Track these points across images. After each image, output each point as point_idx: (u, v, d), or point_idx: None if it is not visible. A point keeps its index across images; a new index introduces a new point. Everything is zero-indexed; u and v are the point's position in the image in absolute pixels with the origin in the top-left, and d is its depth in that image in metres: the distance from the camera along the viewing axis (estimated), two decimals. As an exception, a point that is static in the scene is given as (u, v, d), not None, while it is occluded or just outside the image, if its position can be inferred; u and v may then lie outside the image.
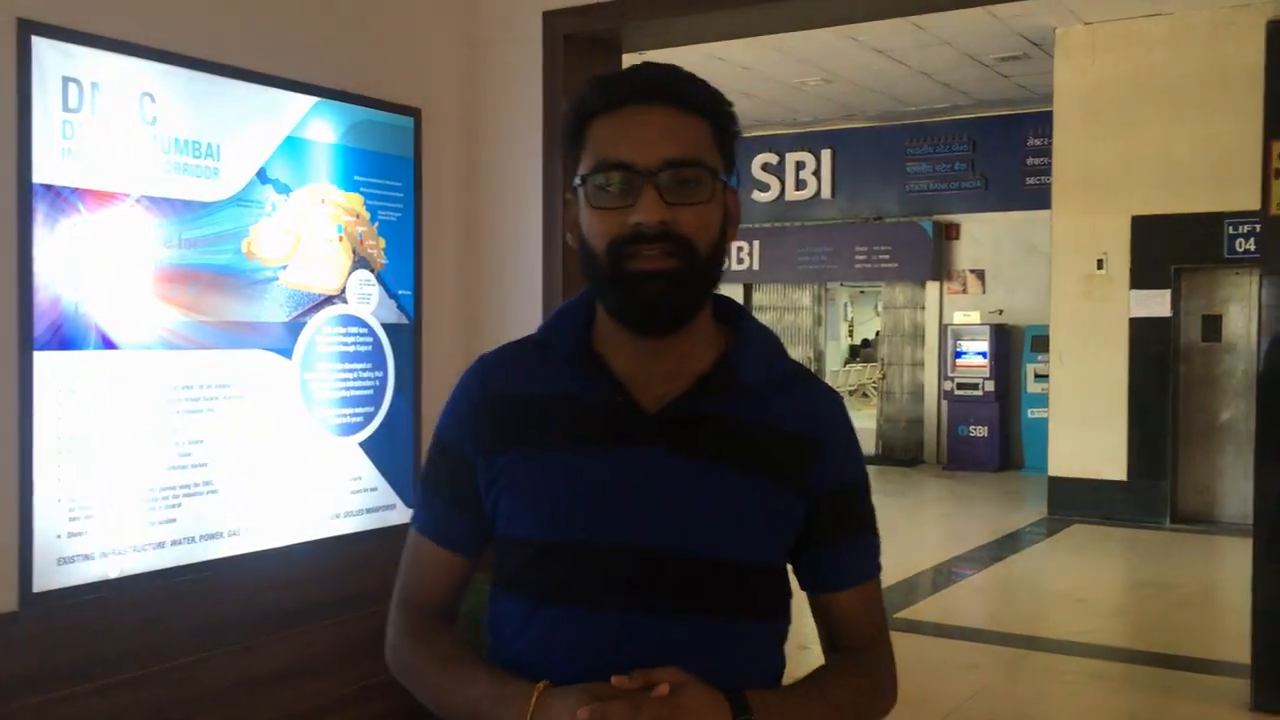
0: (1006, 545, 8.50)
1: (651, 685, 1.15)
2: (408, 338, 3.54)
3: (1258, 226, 5.45)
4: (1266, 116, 4.64)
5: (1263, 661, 4.67)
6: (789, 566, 1.35)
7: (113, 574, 2.75)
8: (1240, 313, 9.18)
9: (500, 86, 3.72)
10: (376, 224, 3.44)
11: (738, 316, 1.36)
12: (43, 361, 2.60)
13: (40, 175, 2.59)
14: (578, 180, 1.26)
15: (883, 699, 1.37)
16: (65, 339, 2.64)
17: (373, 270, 3.43)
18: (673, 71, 1.26)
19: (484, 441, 1.31)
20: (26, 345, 2.57)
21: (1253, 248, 8.56)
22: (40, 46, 2.59)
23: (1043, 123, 10.77)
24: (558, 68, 3.60)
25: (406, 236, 3.54)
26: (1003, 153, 12.49)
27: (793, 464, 1.30)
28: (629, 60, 3.91)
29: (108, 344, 2.73)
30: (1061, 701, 4.98)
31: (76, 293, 2.66)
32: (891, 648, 1.41)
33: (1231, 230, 8.80)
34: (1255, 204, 4.73)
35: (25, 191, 2.57)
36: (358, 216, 3.38)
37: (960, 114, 12.59)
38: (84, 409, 2.68)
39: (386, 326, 3.47)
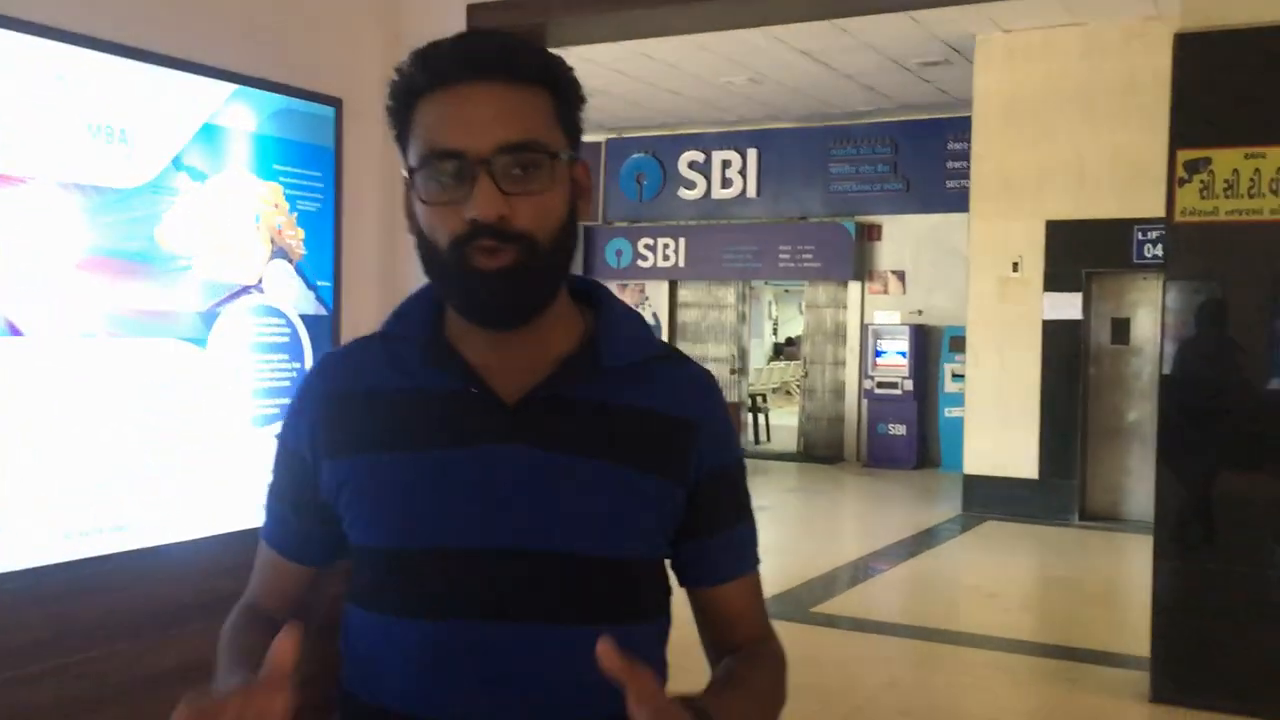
0: (922, 541, 8.67)
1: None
2: (326, 329, 3.51)
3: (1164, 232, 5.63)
4: (1172, 128, 4.79)
5: (1161, 654, 4.83)
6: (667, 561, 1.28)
7: (17, 565, 2.69)
8: (1148, 316, 9.46)
9: (423, 78, 3.70)
10: (295, 214, 3.41)
11: (599, 298, 1.28)
12: (-55, 348, 2.54)
13: (-55, 157, 2.53)
14: (406, 171, 1.18)
15: (783, 693, 1.30)
16: (-31, 325, 2.58)
17: (291, 261, 3.39)
18: (504, 40, 1.16)
19: (326, 444, 1.24)
20: (-72, 331, 2.51)
21: (1160, 253, 8.83)
22: (-54, 25, 2.53)
23: (963, 127, 10.99)
24: (481, 61, 3.60)
25: (326, 227, 3.51)
26: (924, 156, 12.72)
27: (667, 449, 1.20)
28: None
29: (14, 331, 2.67)
30: (970, 693, 5.11)
31: (-18, 278, 2.60)
32: (779, 641, 1.32)
33: (1140, 236, 9.08)
34: (1163, 211, 4.89)
35: (-71, 173, 2.50)
36: (276, 206, 3.35)
37: (883, 117, 12.80)
38: (-11, 397, 2.62)
39: (304, 318, 3.44)
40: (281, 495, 1.33)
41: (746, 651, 1.28)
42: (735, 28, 4.01)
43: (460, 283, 1.14)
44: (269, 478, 1.34)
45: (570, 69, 1.20)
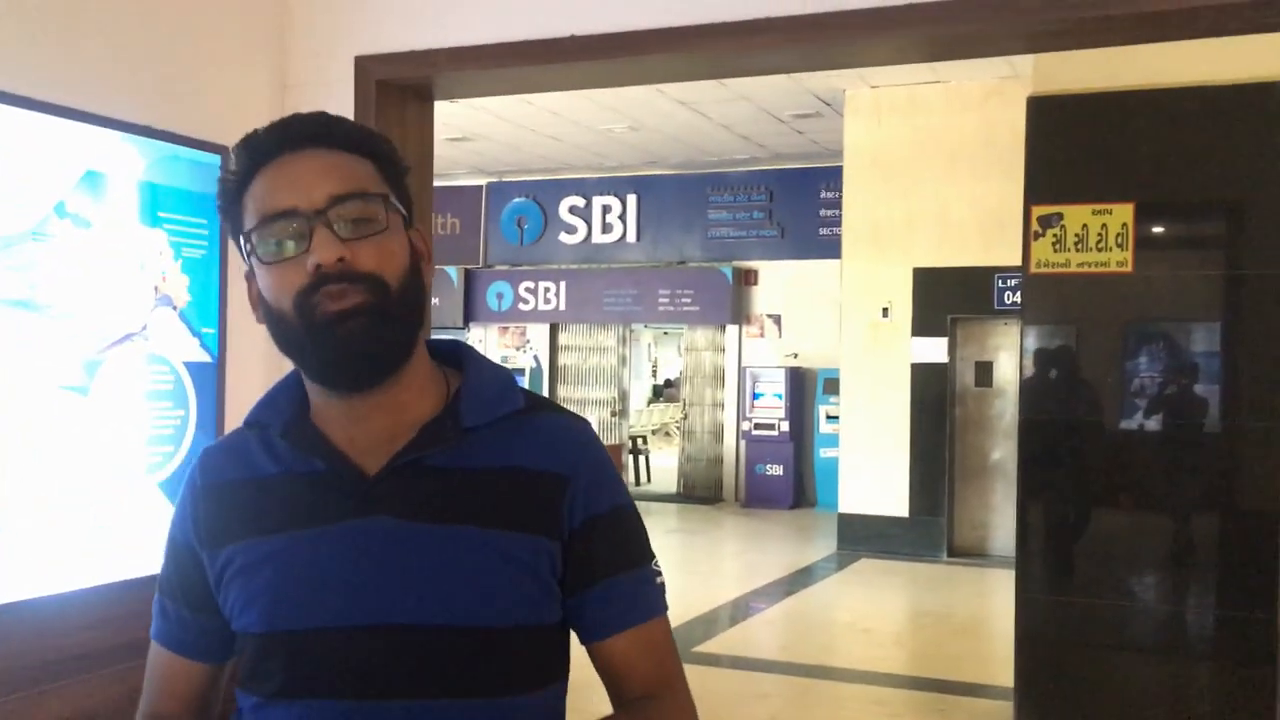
0: (798, 580, 8.88)
1: None
2: (210, 376, 3.50)
3: (1021, 282, 5.95)
4: (1027, 184, 5.10)
5: (1024, 684, 5.07)
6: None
7: (-114, 621, 2.62)
8: (1009, 359, 9.91)
9: (311, 128, 3.74)
10: (180, 261, 3.40)
11: (464, 358, 1.28)
12: None
13: None
14: (246, 246, 1.19)
15: None
16: None
17: (175, 308, 3.38)
18: (321, 117, 1.21)
19: (208, 534, 1.25)
20: None
21: (1020, 300, 9.28)
22: None
23: (835, 177, 11.39)
24: (370, 113, 3.66)
25: (210, 274, 3.51)
26: (798, 204, 13.11)
27: (536, 505, 1.19)
28: (441, 108, 4.01)
29: (-112, 380, 2.62)
30: (846, 727, 5.27)
31: None
32: (687, 698, 1.26)
33: (1000, 284, 9.53)
34: (1020, 260, 5.19)
35: None
36: (160, 253, 3.34)
37: (759, 165, 13.17)
38: None
39: (189, 365, 3.43)
40: (174, 593, 1.31)
41: (628, 708, 1.23)
42: (616, 86, 4.15)
43: (311, 337, 1.14)
44: (160, 577, 1.34)
45: (390, 143, 1.24)
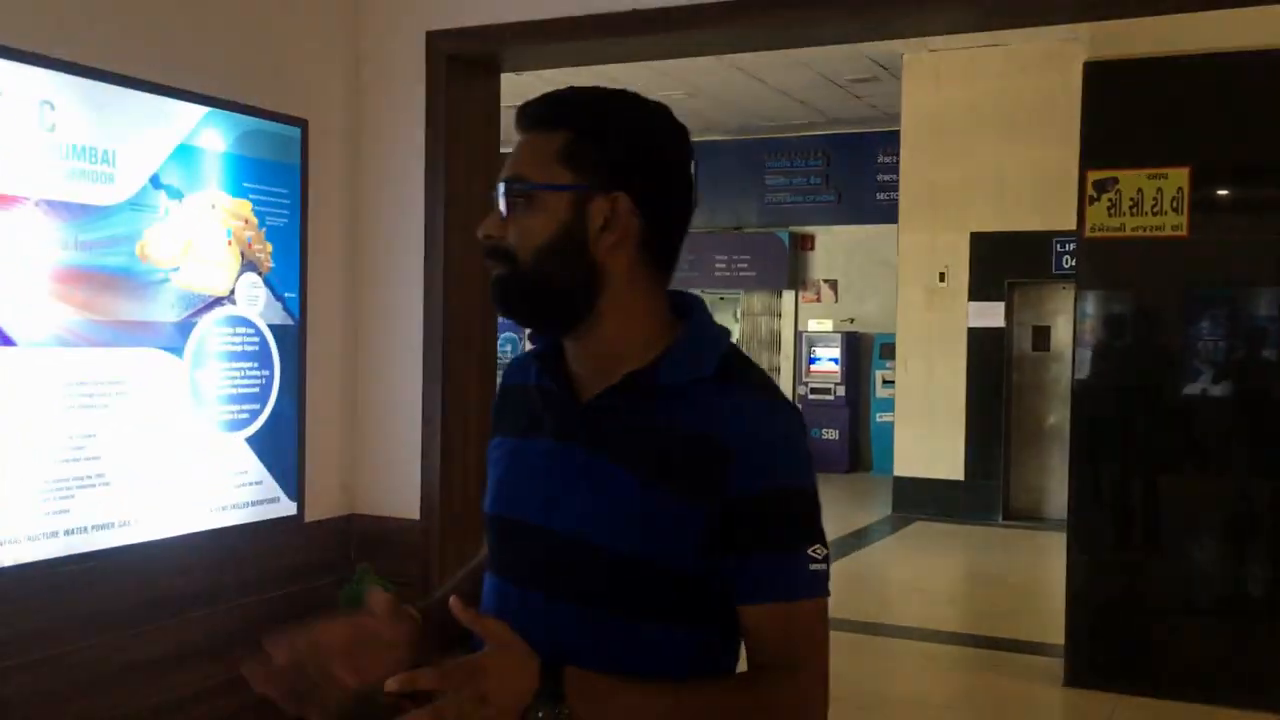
0: (853, 542, 9.00)
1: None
2: (293, 338, 3.70)
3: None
4: (1082, 149, 5.14)
5: (1074, 642, 5.17)
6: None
7: (7, 562, 2.85)
8: (1066, 324, 9.87)
9: (385, 101, 3.91)
10: (264, 229, 3.60)
11: (690, 313, 1.40)
12: (-58, 357, 2.70)
13: (-58, 178, 2.69)
14: None
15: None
16: (-36, 335, 2.74)
17: (260, 273, 3.58)
18: (551, 96, 1.35)
19: (494, 424, 1.51)
20: (-72, 341, 2.67)
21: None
22: (-56, 54, 2.69)
23: (893, 141, 11.38)
24: (440, 85, 3.81)
25: (293, 241, 3.70)
26: (855, 169, 13.11)
27: (697, 469, 1.27)
28: (508, 80, 4.16)
29: (6, 341, 2.83)
30: (896, 680, 5.41)
31: (-24, 291, 2.76)
32: (811, 682, 1.28)
33: (1059, 248, 9.51)
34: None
35: (-72, 193, 2.66)
36: (246, 221, 3.53)
37: (816, 130, 13.17)
38: (-19, 403, 2.79)
39: (273, 327, 3.63)
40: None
41: (745, 673, 1.30)
42: (678, 57, 4.27)
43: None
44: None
45: (599, 113, 1.34)
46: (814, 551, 1.29)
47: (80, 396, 3.02)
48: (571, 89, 1.38)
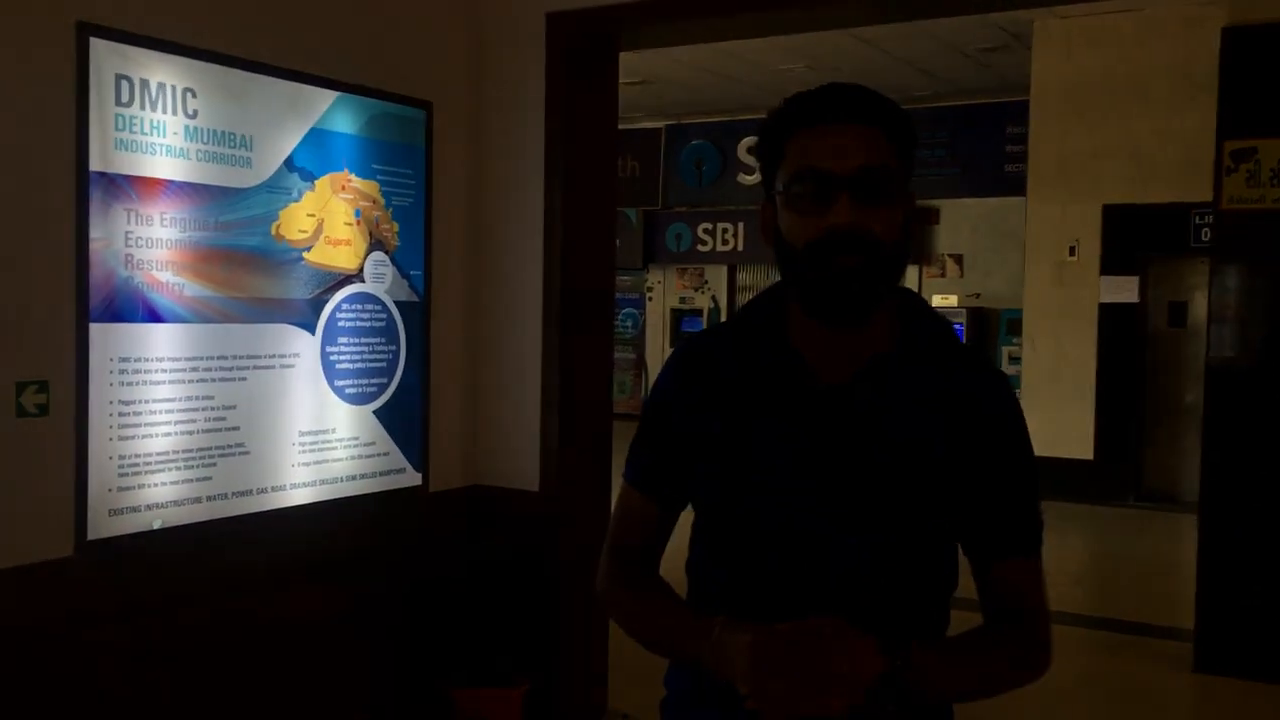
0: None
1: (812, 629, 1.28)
2: (418, 314, 3.83)
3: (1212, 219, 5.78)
4: (1220, 118, 4.95)
5: (1204, 626, 5.02)
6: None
7: (156, 525, 3.04)
8: (1203, 300, 9.49)
9: (506, 82, 3.99)
10: (391, 209, 3.72)
11: (913, 304, 1.50)
12: (97, 332, 2.88)
13: (95, 163, 2.86)
14: (779, 188, 1.41)
15: (1030, 671, 1.48)
16: (116, 312, 2.92)
17: (387, 252, 3.71)
18: (860, 92, 1.41)
19: (686, 409, 1.50)
20: (83, 317, 2.85)
21: (1217, 238, 8.91)
22: (97, 47, 2.86)
23: (1021, 112, 11.06)
24: (559, 67, 3.88)
25: (418, 221, 3.82)
26: (982, 140, 12.80)
27: (946, 443, 1.42)
28: (626, 59, 4.20)
29: (153, 317, 3.01)
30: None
31: (126, 270, 2.94)
32: (1048, 625, 1.50)
33: (1197, 220, 9.14)
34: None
35: (83, 178, 2.84)
36: (374, 202, 3.66)
37: (941, 101, 12.89)
38: (131, 376, 2.97)
39: (399, 304, 3.76)
40: (651, 448, 1.55)
41: (1003, 627, 1.48)
42: (802, 31, 4.25)
43: (815, 281, 1.38)
44: (637, 434, 1.58)
45: (904, 116, 1.43)
46: (1039, 514, 1.52)
47: (220, 369, 3.19)
48: (855, 86, 1.41)
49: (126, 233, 2.94)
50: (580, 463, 3.99)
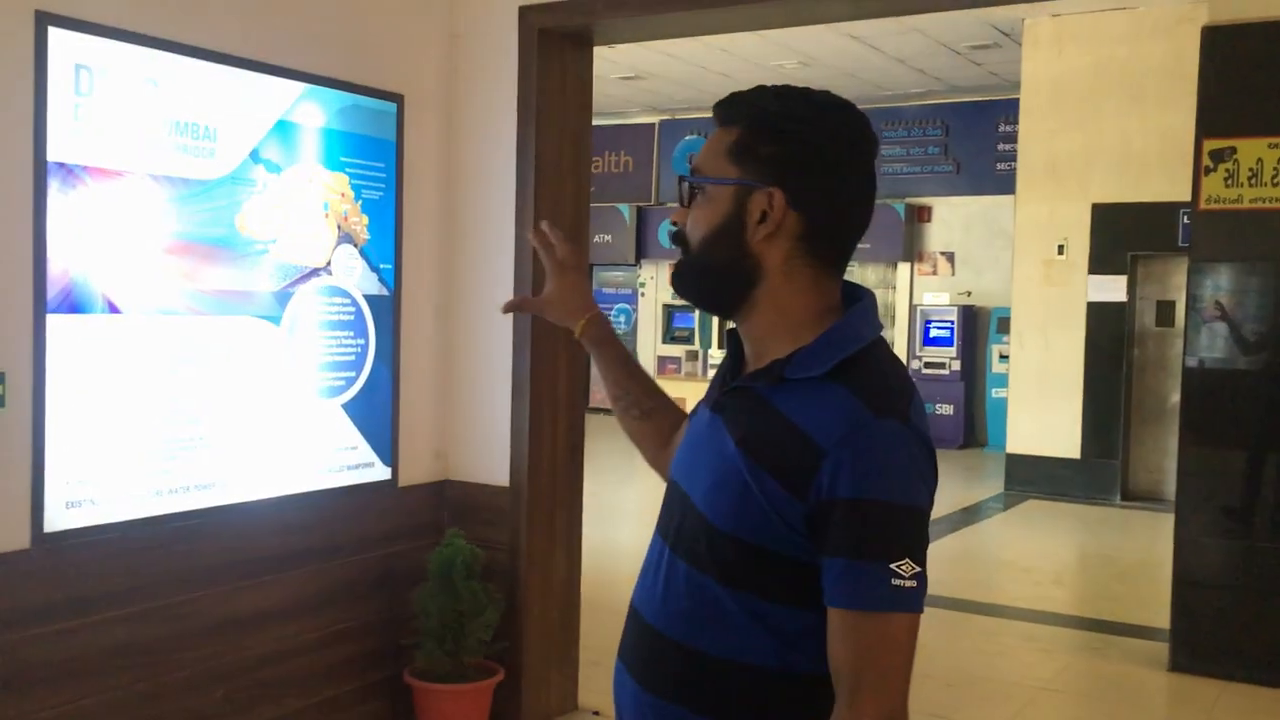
0: (962, 519, 8.85)
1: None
2: (388, 308, 3.81)
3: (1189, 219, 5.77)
4: (1199, 118, 4.94)
5: (1180, 626, 5.02)
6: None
7: (115, 518, 3.02)
8: (1192, 300, 9.51)
9: (478, 75, 3.98)
10: (360, 202, 3.71)
11: (850, 308, 1.41)
12: (55, 324, 2.86)
13: (53, 153, 2.84)
14: None
15: None
16: (75, 304, 2.90)
17: (356, 245, 3.69)
18: (737, 95, 1.44)
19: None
20: (40, 309, 2.83)
21: (1205, 237, 8.89)
22: (55, 35, 2.84)
23: (1014, 109, 11.05)
24: (532, 59, 3.86)
25: (388, 214, 3.80)
26: (975, 138, 12.79)
27: (796, 465, 1.30)
28: (600, 54, 4.18)
29: (113, 309, 2.99)
30: (995, 659, 5.33)
31: (85, 261, 2.92)
32: (876, 712, 1.24)
33: (1186, 220, 9.12)
34: (1191, 198, 5.04)
35: (40, 168, 2.82)
36: (343, 195, 3.65)
37: (934, 99, 12.87)
38: (91, 368, 2.95)
39: (368, 298, 3.74)
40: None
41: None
42: (784, 27, 4.23)
43: None
44: None
45: (769, 112, 1.39)
46: (899, 567, 1.25)
47: (182, 362, 3.17)
48: (759, 88, 1.43)
49: (85, 224, 2.92)
50: (551, 457, 3.98)
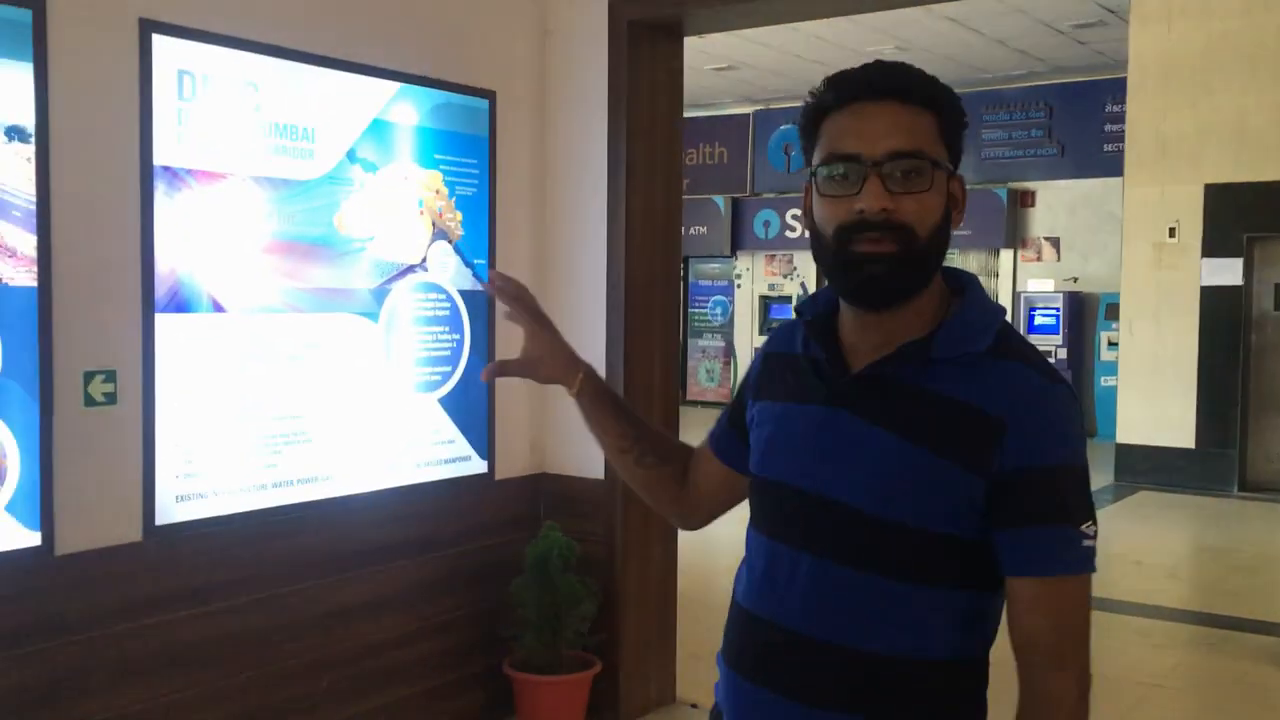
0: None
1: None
2: (483, 303, 3.84)
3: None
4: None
5: (1304, 622, 4.82)
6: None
7: (222, 511, 3.11)
8: (1313, 282, 9.12)
9: (569, 70, 3.99)
10: (454, 199, 3.75)
11: (964, 289, 1.41)
12: (163, 323, 2.95)
13: (159, 158, 2.93)
14: (810, 170, 1.38)
15: None
16: (181, 303, 2.99)
17: (450, 241, 3.73)
18: (901, 70, 1.35)
19: (754, 388, 1.54)
20: (149, 308, 2.92)
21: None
22: (159, 43, 2.92)
23: (1121, 89, 10.71)
24: (622, 52, 3.86)
25: (481, 210, 3.84)
26: (1080, 120, 12.44)
27: (971, 441, 1.29)
28: (693, 44, 4.15)
29: (217, 307, 3.07)
30: (1102, 656, 5.14)
31: (190, 262, 3.00)
32: (1076, 677, 1.30)
33: (1306, 199, 8.75)
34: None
35: (147, 172, 2.91)
36: (437, 192, 3.69)
37: (1037, 80, 12.55)
38: (197, 365, 3.03)
39: (463, 293, 3.78)
40: (727, 413, 1.63)
41: (1022, 702, 1.32)
42: (877, 10, 4.15)
43: (843, 266, 1.34)
44: (730, 401, 1.67)
45: (955, 97, 1.37)
46: (1085, 528, 1.30)
47: (284, 358, 3.24)
48: (897, 64, 1.36)
49: (190, 225, 3.00)
50: (645, 451, 3.97)
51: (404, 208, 3.58)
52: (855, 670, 1.33)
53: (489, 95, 3.85)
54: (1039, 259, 12.97)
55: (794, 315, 1.56)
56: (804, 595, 1.36)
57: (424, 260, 3.65)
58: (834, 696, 1.34)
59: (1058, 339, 12.42)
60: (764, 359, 1.55)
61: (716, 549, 5.80)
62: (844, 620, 1.33)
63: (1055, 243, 12.87)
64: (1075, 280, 12.61)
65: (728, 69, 12.18)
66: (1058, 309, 12.48)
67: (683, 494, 1.67)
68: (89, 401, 2.82)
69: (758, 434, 1.49)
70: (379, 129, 3.49)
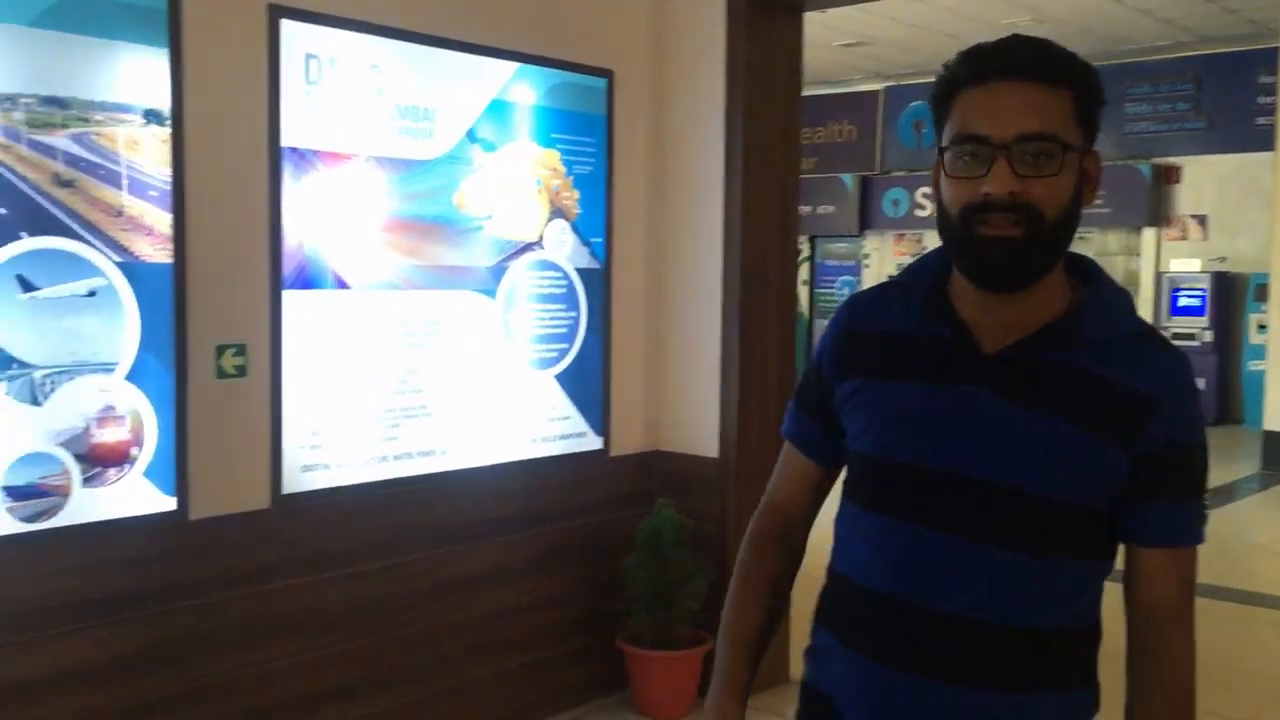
0: (1214, 499, 8.26)
1: None
2: (599, 281, 3.88)
3: None
4: None
5: None
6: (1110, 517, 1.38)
7: (345, 482, 3.22)
8: None
9: (686, 47, 3.98)
10: (571, 177, 3.78)
11: (1092, 274, 1.42)
12: (290, 299, 3.06)
13: (287, 139, 3.03)
14: (940, 149, 1.35)
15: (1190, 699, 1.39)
16: (307, 279, 3.09)
17: (568, 220, 3.77)
18: (1038, 46, 1.32)
19: (842, 367, 1.48)
20: (277, 284, 3.03)
21: None
22: (287, 27, 3.02)
23: (1273, 59, 10.18)
24: (740, 29, 3.83)
25: (598, 189, 3.87)
26: (1229, 91, 11.86)
27: (1122, 419, 1.32)
28: (821, 20, 4.10)
29: (341, 284, 3.17)
30: (1242, 649, 4.97)
31: (316, 240, 3.11)
32: (1191, 637, 1.39)
33: None
34: None
35: (275, 153, 3.01)
36: (554, 171, 3.73)
37: (1183, 51, 12.01)
38: (322, 340, 3.14)
39: (580, 271, 3.82)
40: (808, 405, 1.56)
41: (1143, 658, 1.40)
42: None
43: (967, 247, 1.32)
44: (797, 390, 1.59)
45: (1095, 74, 1.34)
46: (1204, 501, 1.40)
47: (405, 335, 3.33)
48: (1035, 40, 1.34)
49: (316, 205, 3.10)
50: (760, 429, 3.96)
51: (522, 187, 3.63)
52: (1015, 648, 1.35)
53: (606, 74, 3.87)
54: (1184, 238, 12.44)
55: (892, 286, 1.50)
56: (957, 577, 1.35)
57: (541, 238, 3.70)
58: (993, 677, 1.36)
59: (1203, 321, 11.91)
60: (847, 336, 1.49)
61: (830, 528, 5.75)
62: (1002, 599, 1.34)
63: (1202, 220, 12.32)
64: (1223, 260, 12.05)
65: (857, 45, 11.97)
66: (1204, 290, 11.95)
67: (805, 540, 1.62)
68: (220, 374, 2.95)
69: (861, 414, 1.45)
70: (498, 109, 3.55)
